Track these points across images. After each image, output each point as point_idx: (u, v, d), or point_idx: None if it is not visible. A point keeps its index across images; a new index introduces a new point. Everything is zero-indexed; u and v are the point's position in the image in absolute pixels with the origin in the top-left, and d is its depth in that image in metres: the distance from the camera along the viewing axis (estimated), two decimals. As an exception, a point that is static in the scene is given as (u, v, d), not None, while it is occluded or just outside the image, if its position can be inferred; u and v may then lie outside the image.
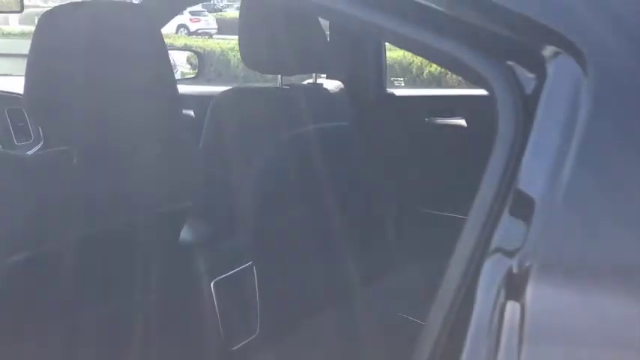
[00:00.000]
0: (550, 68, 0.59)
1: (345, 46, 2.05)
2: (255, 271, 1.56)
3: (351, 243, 1.66)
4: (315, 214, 1.66)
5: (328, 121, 1.79)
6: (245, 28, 1.65)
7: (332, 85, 1.99)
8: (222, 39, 7.99)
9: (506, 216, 0.59)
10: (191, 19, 16.80)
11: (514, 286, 0.55)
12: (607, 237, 0.55)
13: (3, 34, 13.37)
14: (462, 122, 2.02)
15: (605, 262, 0.54)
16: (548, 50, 0.60)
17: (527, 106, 0.62)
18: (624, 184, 0.56)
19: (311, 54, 1.68)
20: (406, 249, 1.92)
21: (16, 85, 2.24)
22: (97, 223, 1.14)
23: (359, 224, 1.80)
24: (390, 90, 2.16)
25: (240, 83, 5.99)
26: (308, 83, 1.93)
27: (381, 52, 2.11)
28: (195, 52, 2.98)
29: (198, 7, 16.27)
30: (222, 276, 1.49)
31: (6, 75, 2.96)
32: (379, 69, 2.10)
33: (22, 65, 1.09)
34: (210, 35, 15.98)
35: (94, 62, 1.05)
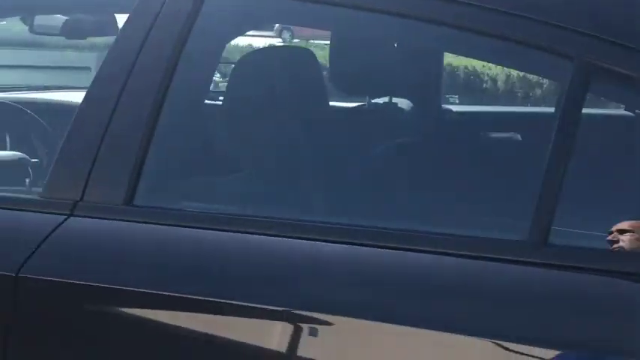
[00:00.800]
0: None
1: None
2: None
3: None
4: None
5: (399, 136, 1.95)
6: (336, 52, 1.83)
7: (405, 103, 2.15)
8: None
9: None
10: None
11: None
12: None
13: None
14: (517, 136, 2.19)
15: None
16: None
17: None
18: None
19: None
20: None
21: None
22: None
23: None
24: (445, 106, 2.33)
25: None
26: (384, 102, 2.09)
27: (440, 72, 2.28)
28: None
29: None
30: None
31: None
32: (438, 87, 2.28)
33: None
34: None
35: None
